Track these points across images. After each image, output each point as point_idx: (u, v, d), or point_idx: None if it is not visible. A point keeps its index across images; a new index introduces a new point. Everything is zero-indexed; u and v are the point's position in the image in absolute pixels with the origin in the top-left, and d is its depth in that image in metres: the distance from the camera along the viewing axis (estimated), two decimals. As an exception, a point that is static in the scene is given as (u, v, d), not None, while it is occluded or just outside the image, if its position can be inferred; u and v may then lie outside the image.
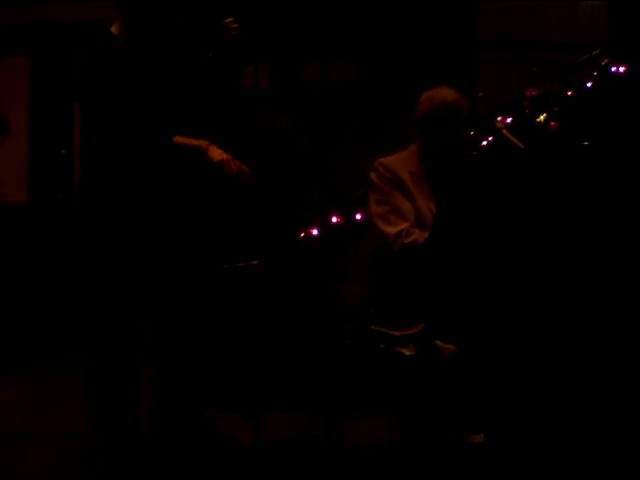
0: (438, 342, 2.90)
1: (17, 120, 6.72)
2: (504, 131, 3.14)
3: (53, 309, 6.21)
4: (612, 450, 2.67)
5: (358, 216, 5.09)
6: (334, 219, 5.12)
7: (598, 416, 2.68)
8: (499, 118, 4.73)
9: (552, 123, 4.37)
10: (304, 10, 6.03)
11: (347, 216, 5.12)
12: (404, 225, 3.08)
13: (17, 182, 6.70)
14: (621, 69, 4.94)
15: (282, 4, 6.03)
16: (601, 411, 2.68)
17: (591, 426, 2.69)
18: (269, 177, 5.17)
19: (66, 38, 6.61)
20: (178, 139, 3.25)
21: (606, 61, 5.01)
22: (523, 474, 2.70)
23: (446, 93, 3.17)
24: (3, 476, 3.41)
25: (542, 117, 4.11)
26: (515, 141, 3.06)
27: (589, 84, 4.97)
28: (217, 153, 3.28)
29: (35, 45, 6.67)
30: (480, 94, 6.36)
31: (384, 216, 3.14)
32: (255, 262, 4.06)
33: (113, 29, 3.22)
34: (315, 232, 5.07)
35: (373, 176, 3.21)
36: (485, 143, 4.86)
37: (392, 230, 3.09)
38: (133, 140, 3.19)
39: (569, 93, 4.93)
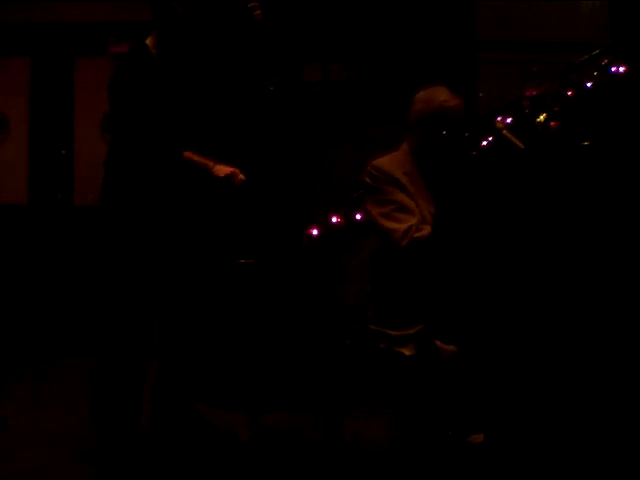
0: (438, 342, 2.91)
1: (17, 120, 6.72)
2: (504, 131, 3.14)
3: (52, 310, 6.21)
4: (612, 450, 2.67)
5: (358, 216, 5.09)
6: (334, 219, 5.12)
7: (598, 415, 2.68)
8: (499, 118, 4.73)
9: (552, 123, 4.37)
10: (305, 10, 6.03)
11: (347, 216, 5.12)
12: (413, 220, 3.03)
13: (17, 182, 6.70)
14: (621, 69, 4.94)
15: (283, 4, 6.03)
16: (601, 410, 2.68)
17: (591, 426, 2.69)
18: (282, 176, 5.18)
19: (66, 38, 6.62)
20: (187, 155, 3.32)
21: (606, 61, 5.01)
22: (523, 474, 2.70)
23: (443, 95, 3.16)
24: (3, 476, 3.41)
25: (542, 117, 4.11)
26: (515, 141, 3.06)
27: (589, 84, 4.97)
28: (220, 171, 3.35)
29: (35, 45, 6.68)
30: (480, 94, 6.36)
31: (389, 215, 3.08)
32: (251, 260, 4.08)
33: (148, 41, 3.36)
34: (315, 232, 5.08)
35: (368, 179, 3.19)
36: (485, 143, 4.86)
37: (401, 226, 3.02)
38: (157, 145, 3.27)
39: (569, 93, 4.93)
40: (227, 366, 4.23)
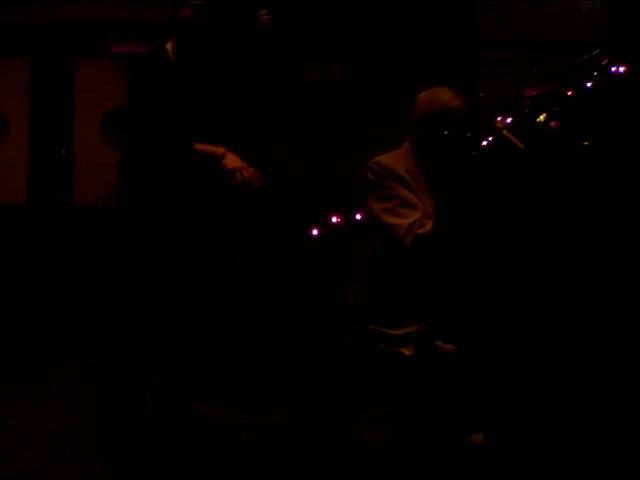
0: (438, 342, 2.91)
1: (17, 120, 6.72)
2: (504, 131, 3.14)
3: (52, 310, 6.21)
4: (612, 449, 2.67)
5: (358, 216, 5.09)
6: (334, 219, 5.13)
7: (598, 415, 2.68)
8: (499, 118, 4.73)
9: (552, 123, 4.37)
10: (305, 10, 6.03)
11: (347, 216, 5.12)
12: (417, 215, 3.01)
13: (17, 182, 6.70)
14: (621, 69, 4.94)
15: (283, 4, 6.03)
16: (601, 410, 2.68)
17: (591, 425, 2.69)
18: (284, 177, 5.19)
19: (66, 38, 6.62)
20: (199, 146, 3.33)
21: (606, 61, 5.01)
22: (523, 474, 2.71)
23: (446, 95, 3.14)
24: (3, 476, 3.41)
25: (542, 117, 4.11)
26: (515, 141, 3.06)
27: (589, 84, 4.97)
28: (231, 161, 3.34)
29: (35, 45, 6.68)
30: (480, 94, 6.37)
31: (393, 210, 3.06)
32: (252, 258, 4.08)
33: (168, 46, 3.41)
34: (315, 232, 5.08)
35: (371, 175, 3.17)
36: (485, 143, 4.86)
37: (405, 222, 3.00)
38: (174, 148, 3.33)
39: (569, 93, 4.93)
40: (228, 365, 4.23)
